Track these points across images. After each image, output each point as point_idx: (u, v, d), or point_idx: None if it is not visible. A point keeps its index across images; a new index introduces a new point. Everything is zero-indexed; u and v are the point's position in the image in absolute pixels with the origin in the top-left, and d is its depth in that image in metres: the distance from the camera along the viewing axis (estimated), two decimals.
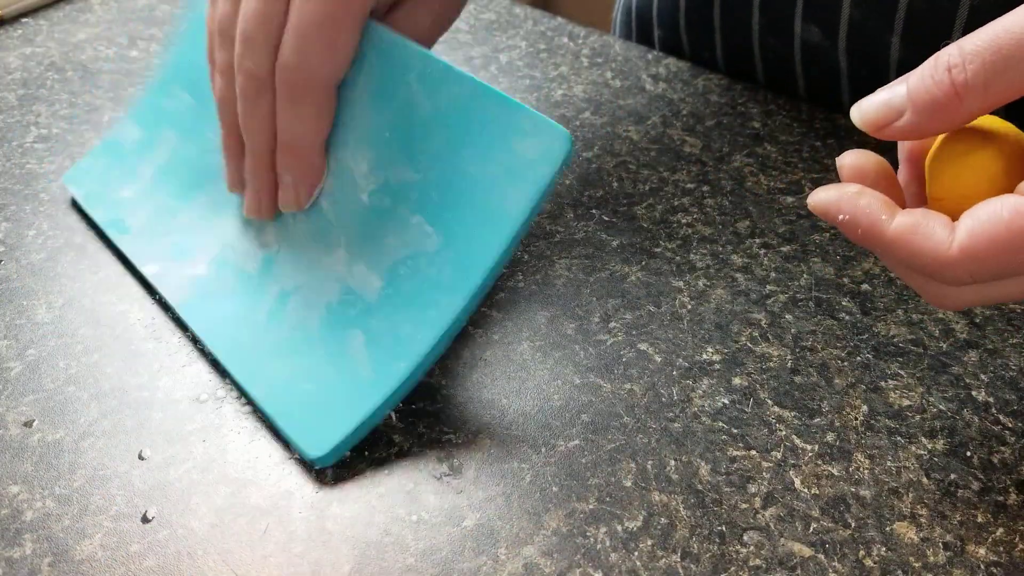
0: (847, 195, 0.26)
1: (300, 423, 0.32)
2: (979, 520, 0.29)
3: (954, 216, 0.25)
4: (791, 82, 0.54)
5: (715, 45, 0.56)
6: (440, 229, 0.32)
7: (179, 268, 0.38)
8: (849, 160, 0.27)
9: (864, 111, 0.26)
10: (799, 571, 0.28)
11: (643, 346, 0.36)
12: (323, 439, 0.31)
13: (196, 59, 0.41)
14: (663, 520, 0.30)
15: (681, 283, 0.39)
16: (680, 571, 0.28)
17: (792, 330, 0.37)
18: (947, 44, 0.24)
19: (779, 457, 0.32)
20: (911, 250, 0.25)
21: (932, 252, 0.24)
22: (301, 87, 0.33)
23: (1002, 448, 0.32)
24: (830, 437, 0.32)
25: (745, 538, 0.29)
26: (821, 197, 0.27)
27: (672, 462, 0.32)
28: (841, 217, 0.26)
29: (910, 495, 0.30)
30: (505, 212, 0.31)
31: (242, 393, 0.34)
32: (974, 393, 0.34)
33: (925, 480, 0.31)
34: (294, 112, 0.34)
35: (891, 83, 0.26)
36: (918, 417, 0.33)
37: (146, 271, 0.39)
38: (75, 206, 0.44)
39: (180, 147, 0.42)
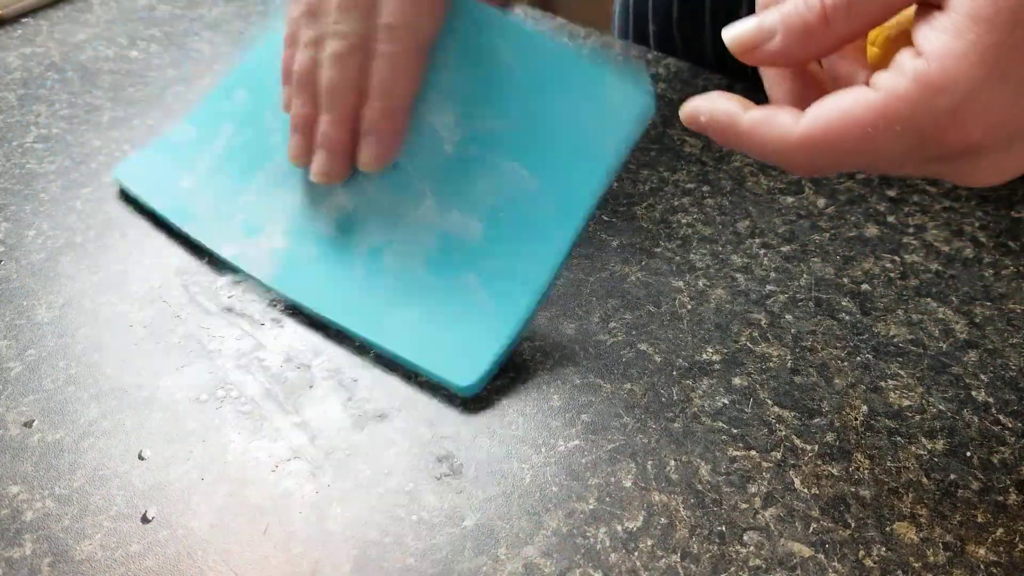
0: (709, 98, 0.28)
1: (442, 360, 0.34)
2: (979, 520, 0.29)
3: (881, 60, 0.26)
4: None
5: (705, 39, 0.56)
6: (536, 172, 0.36)
7: (255, 244, 0.39)
8: (687, 105, 0.28)
9: (736, 33, 0.27)
10: (799, 571, 0.28)
11: (643, 346, 0.36)
12: (470, 370, 0.34)
13: (261, 65, 0.44)
14: (663, 520, 0.30)
15: (681, 283, 0.39)
16: (680, 571, 0.28)
17: (792, 330, 0.37)
18: None
19: (779, 457, 0.32)
20: (761, 139, 0.26)
21: (777, 139, 0.26)
22: (401, 47, 0.36)
23: (1002, 448, 0.32)
24: (830, 437, 0.32)
25: (745, 538, 0.29)
26: (688, 104, 0.28)
27: (672, 462, 0.32)
28: (703, 119, 0.28)
29: (910, 495, 0.30)
30: (598, 154, 0.35)
31: (371, 347, 0.36)
32: (974, 393, 0.34)
33: (925, 480, 0.31)
34: (391, 71, 0.36)
35: (766, 10, 0.27)
36: (918, 417, 0.33)
37: (223, 252, 0.40)
38: (124, 199, 0.44)
39: (237, 135, 0.43)
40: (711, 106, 0.27)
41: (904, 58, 0.24)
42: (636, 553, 0.29)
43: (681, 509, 0.30)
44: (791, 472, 0.31)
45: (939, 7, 0.24)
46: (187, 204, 0.42)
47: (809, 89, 0.28)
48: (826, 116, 0.25)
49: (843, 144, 0.24)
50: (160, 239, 0.42)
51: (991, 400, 0.34)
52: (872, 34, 0.28)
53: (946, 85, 0.23)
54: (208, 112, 0.45)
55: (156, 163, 0.44)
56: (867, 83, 0.25)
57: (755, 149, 0.27)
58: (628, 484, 0.31)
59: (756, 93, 0.53)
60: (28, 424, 0.33)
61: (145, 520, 0.30)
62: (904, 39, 0.26)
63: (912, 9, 0.25)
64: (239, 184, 0.42)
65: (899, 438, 0.32)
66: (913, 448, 0.32)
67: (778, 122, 0.26)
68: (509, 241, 0.36)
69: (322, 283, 0.37)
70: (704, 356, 0.36)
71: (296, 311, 0.38)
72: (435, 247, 0.37)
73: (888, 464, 0.31)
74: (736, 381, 0.35)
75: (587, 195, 0.35)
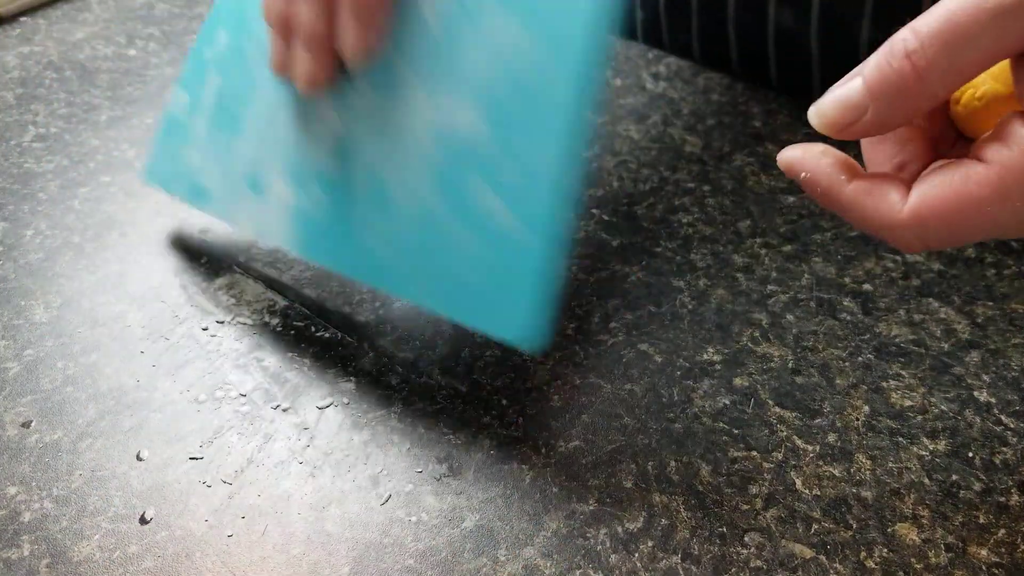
0: (811, 154, 0.26)
1: (495, 319, 0.31)
2: (981, 521, 0.29)
3: (968, 120, 0.25)
4: (763, 68, 0.53)
5: (691, 28, 0.56)
6: (529, 25, 0.30)
7: (265, 205, 0.37)
8: (787, 155, 0.27)
9: (823, 113, 0.25)
10: (800, 572, 0.28)
11: (643, 346, 0.36)
12: (524, 325, 0.30)
13: (234, 4, 0.40)
14: (664, 521, 0.30)
15: (682, 283, 0.39)
16: (681, 572, 0.28)
17: (793, 330, 0.37)
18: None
19: (780, 458, 0.32)
20: (864, 212, 0.25)
21: (884, 216, 0.25)
22: None
23: (1004, 449, 0.32)
24: (831, 438, 0.32)
25: (746, 539, 0.29)
26: (788, 155, 0.27)
27: (673, 463, 0.32)
28: (803, 175, 0.26)
29: (912, 496, 0.30)
30: (590, 8, 0.29)
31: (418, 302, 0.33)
32: (976, 394, 0.34)
33: (927, 481, 0.31)
34: None
35: (842, 80, 0.25)
36: (920, 418, 0.33)
37: (241, 226, 0.38)
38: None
39: (224, 80, 0.40)
40: (814, 165, 0.26)
41: (1015, 127, 0.23)
42: (637, 554, 0.29)
43: (682, 510, 0.30)
44: (792, 473, 0.31)
45: None
46: (200, 180, 0.39)
47: (907, 146, 0.27)
48: (936, 195, 0.24)
49: (960, 223, 0.24)
50: (159, 239, 0.42)
51: (993, 400, 0.33)
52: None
53: None
54: (194, 68, 0.42)
55: (169, 149, 0.42)
56: (967, 150, 0.24)
57: (856, 221, 0.26)
58: (628, 485, 0.31)
59: (756, 92, 0.52)
60: (26, 424, 0.33)
61: (143, 521, 0.30)
62: (1003, 102, 0.24)
63: (1006, 62, 0.24)
64: (232, 135, 0.39)
65: (901, 439, 0.32)
66: (915, 449, 0.32)
67: (884, 199, 0.25)
68: (509, 124, 0.30)
69: (342, 240, 0.34)
70: (705, 356, 0.36)
71: (295, 311, 0.38)
72: (433, 152, 0.32)
73: (890, 465, 0.31)
74: (737, 381, 0.35)
75: (589, 50, 0.29)
